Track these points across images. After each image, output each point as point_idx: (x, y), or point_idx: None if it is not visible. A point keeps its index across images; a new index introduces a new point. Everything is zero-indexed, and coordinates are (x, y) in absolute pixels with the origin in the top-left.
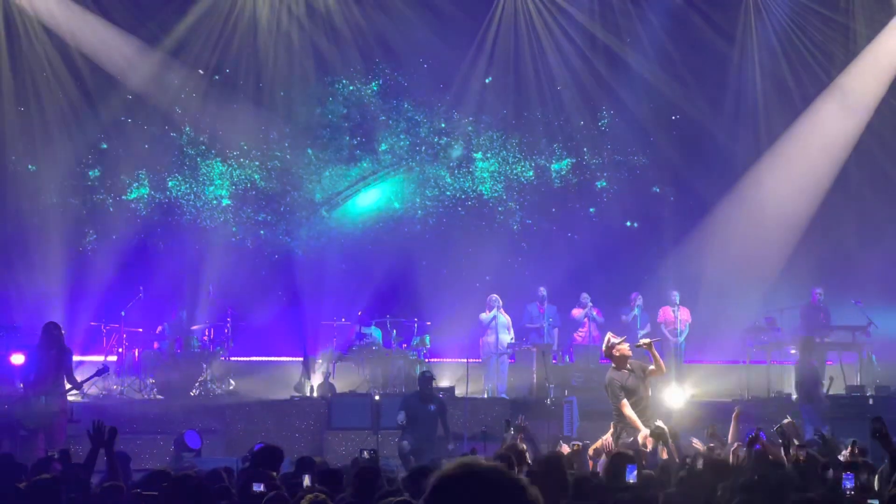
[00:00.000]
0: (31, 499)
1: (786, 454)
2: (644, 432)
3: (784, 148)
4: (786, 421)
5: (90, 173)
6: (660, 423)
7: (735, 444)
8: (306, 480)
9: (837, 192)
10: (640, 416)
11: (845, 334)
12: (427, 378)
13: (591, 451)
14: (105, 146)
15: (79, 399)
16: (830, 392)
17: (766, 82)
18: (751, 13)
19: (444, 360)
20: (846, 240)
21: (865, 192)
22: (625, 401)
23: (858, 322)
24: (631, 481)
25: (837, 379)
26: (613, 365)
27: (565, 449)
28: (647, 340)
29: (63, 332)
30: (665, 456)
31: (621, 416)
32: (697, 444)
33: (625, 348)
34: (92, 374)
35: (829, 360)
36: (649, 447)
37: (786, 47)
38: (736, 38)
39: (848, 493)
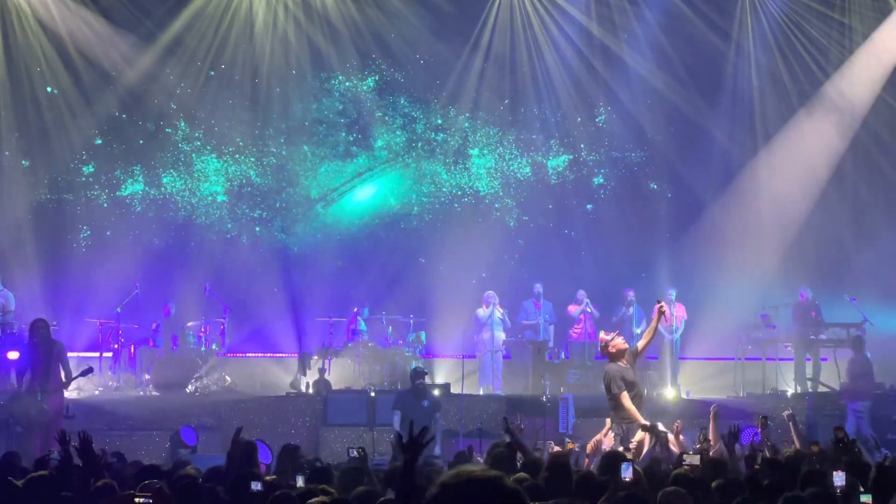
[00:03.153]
0: (27, 496)
1: (775, 452)
2: (642, 422)
3: (780, 145)
4: (786, 413)
5: (84, 169)
6: (660, 425)
7: (718, 444)
8: (300, 482)
9: (833, 189)
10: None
11: (840, 331)
12: (418, 373)
13: (588, 449)
14: (99, 142)
15: (75, 396)
16: (822, 389)
17: (763, 79)
18: (747, 10)
19: (440, 356)
20: (842, 237)
21: (861, 190)
22: (625, 392)
23: (853, 319)
24: (626, 479)
25: (832, 376)
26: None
27: (553, 447)
28: (663, 306)
29: (51, 326)
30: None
31: (619, 409)
32: (672, 441)
33: (619, 342)
34: (76, 375)
35: (824, 358)
36: (646, 445)
37: (781, 45)
38: (732, 35)
39: (839, 491)
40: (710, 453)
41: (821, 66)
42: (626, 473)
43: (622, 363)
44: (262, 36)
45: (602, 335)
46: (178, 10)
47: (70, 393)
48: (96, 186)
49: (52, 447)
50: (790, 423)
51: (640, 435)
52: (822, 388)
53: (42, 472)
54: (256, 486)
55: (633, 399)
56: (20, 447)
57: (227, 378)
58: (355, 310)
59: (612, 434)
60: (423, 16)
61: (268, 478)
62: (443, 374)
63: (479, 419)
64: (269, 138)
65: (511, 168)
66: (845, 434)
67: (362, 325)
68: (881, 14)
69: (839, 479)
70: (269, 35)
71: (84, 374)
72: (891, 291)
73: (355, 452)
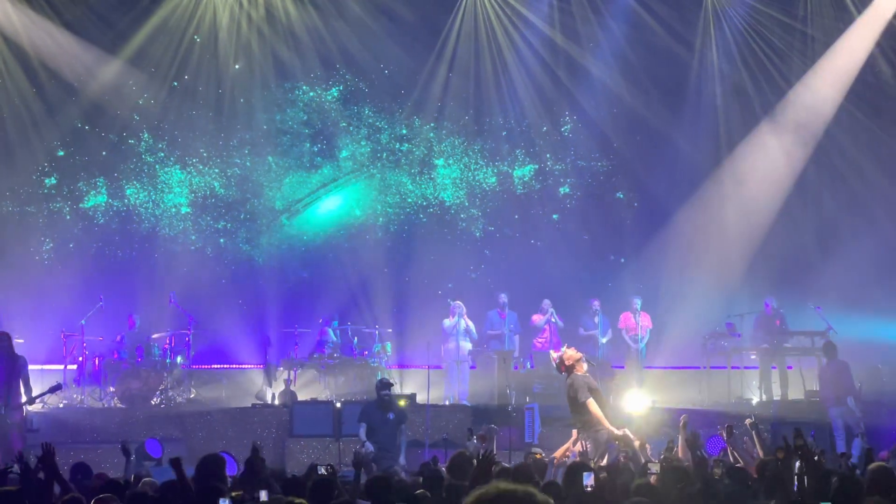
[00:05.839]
0: None
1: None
2: (611, 429)
3: (744, 154)
4: (748, 421)
5: (47, 181)
6: (626, 430)
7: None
8: (263, 496)
9: (797, 198)
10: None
11: (805, 340)
12: (384, 384)
13: (555, 460)
14: (62, 153)
15: (39, 409)
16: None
17: (726, 89)
18: (710, 20)
19: (406, 367)
20: (805, 245)
21: (824, 198)
22: (591, 399)
23: (818, 327)
24: (588, 487)
25: (797, 384)
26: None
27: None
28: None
29: (14, 341)
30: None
31: (584, 418)
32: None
33: (571, 353)
34: (45, 391)
35: (789, 366)
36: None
37: (745, 54)
38: (695, 44)
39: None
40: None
41: (783, 76)
42: (588, 482)
43: (581, 372)
44: (225, 47)
45: (552, 354)
46: (142, 21)
47: (33, 406)
48: (59, 198)
49: (12, 461)
50: (753, 432)
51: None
52: None
53: (6, 489)
54: (224, 502)
55: (599, 405)
56: None
57: (193, 390)
58: (321, 320)
59: (580, 443)
60: (386, 26)
61: (234, 493)
62: (408, 384)
63: (444, 429)
64: (234, 149)
65: (476, 178)
66: (803, 440)
67: (332, 336)
68: (842, 24)
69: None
70: (232, 46)
71: (52, 390)
72: (854, 300)
73: (323, 470)
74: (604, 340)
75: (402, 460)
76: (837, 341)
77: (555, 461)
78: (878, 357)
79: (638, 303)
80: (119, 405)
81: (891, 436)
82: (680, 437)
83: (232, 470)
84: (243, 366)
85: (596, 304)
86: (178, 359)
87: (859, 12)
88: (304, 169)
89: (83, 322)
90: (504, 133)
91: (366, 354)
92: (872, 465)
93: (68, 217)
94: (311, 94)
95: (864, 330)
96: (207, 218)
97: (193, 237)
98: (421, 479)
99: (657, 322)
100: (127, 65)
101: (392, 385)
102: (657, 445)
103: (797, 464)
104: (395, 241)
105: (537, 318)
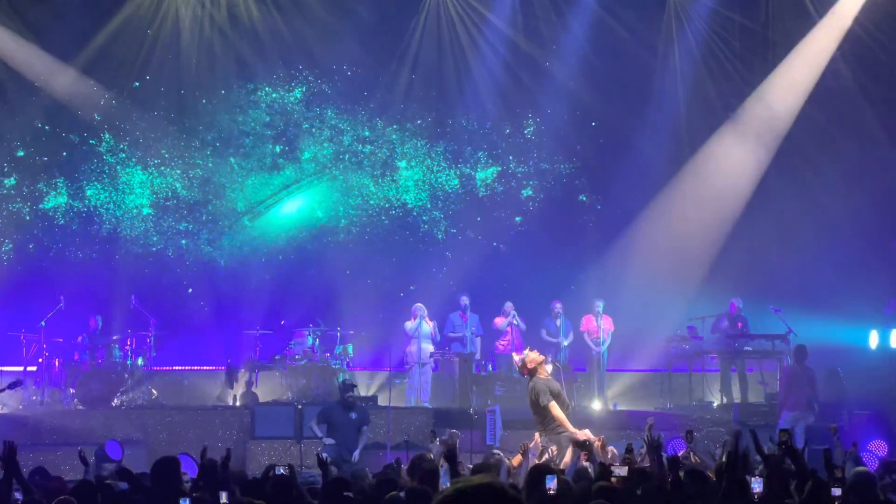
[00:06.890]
0: None
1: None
2: (573, 432)
3: (706, 157)
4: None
5: (6, 181)
6: (587, 432)
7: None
8: (223, 498)
9: (758, 201)
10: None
11: (765, 343)
12: (347, 386)
13: (515, 463)
14: (22, 154)
15: None
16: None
17: (689, 92)
18: (672, 23)
19: (368, 369)
20: (765, 248)
21: (784, 201)
22: (553, 402)
23: (778, 330)
24: (551, 491)
25: (757, 387)
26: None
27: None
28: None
29: None
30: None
31: (548, 423)
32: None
33: (534, 356)
34: (4, 387)
35: (749, 369)
36: (568, 455)
37: (707, 57)
38: (658, 47)
39: (756, 497)
40: (641, 463)
41: (745, 80)
42: (551, 485)
43: (543, 375)
44: (188, 47)
45: (515, 357)
46: (104, 21)
47: None
48: (18, 199)
49: None
50: (733, 438)
51: (569, 453)
52: None
53: None
54: (185, 502)
55: (561, 408)
56: None
57: (154, 391)
58: (283, 322)
59: (541, 448)
60: (349, 27)
61: (195, 494)
62: (370, 386)
63: (406, 432)
64: (196, 150)
65: (439, 180)
66: (790, 437)
67: (309, 341)
68: (804, 28)
69: (757, 484)
70: (195, 47)
71: (12, 386)
72: (814, 302)
73: (282, 470)
74: (565, 343)
75: (355, 454)
76: (797, 343)
77: (515, 463)
78: (837, 360)
79: (600, 306)
80: (79, 407)
81: (848, 438)
82: (647, 439)
83: (192, 471)
84: (205, 367)
85: (558, 306)
86: (139, 360)
87: (820, 16)
88: (267, 170)
89: (43, 323)
90: (466, 135)
91: (327, 356)
92: (859, 470)
93: (28, 218)
94: (274, 95)
95: (823, 333)
96: (169, 219)
97: (155, 238)
98: (375, 483)
99: (619, 325)
100: (88, 65)
101: (355, 386)
102: (618, 448)
103: (760, 466)
104: (357, 243)
105: (499, 321)
